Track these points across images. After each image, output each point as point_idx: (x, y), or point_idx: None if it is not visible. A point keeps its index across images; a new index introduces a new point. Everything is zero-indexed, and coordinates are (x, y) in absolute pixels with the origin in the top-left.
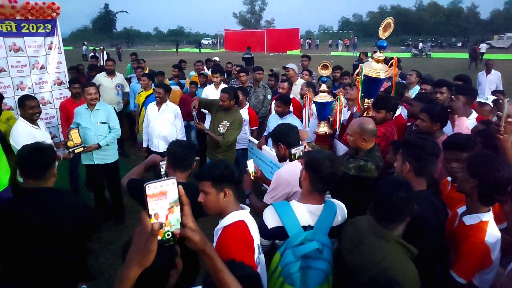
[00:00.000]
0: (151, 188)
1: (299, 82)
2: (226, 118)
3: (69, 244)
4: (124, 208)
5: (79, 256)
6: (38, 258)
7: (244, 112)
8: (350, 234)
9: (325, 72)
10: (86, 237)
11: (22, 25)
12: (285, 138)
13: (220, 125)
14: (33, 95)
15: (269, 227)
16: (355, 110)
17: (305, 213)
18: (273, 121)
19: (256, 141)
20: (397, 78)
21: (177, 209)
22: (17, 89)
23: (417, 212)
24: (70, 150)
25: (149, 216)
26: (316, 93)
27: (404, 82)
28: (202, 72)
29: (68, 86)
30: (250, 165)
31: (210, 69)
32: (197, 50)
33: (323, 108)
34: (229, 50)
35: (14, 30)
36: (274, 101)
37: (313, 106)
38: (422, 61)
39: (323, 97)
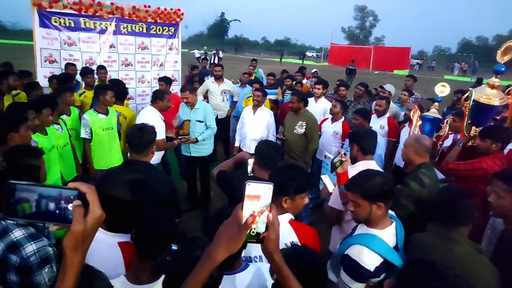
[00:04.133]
0: (251, 187)
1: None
2: (300, 119)
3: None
4: (210, 201)
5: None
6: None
7: (338, 125)
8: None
9: (441, 94)
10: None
11: (151, 26)
12: (359, 141)
13: (297, 126)
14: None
15: (372, 270)
16: (458, 137)
17: (389, 236)
18: None
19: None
20: None
21: (266, 212)
22: (139, 82)
23: None
24: (180, 137)
25: (242, 210)
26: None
27: None
28: (299, 81)
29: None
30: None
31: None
32: (301, 61)
33: (430, 124)
34: (332, 64)
35: (144, 31)
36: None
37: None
38: None
39: (433, 113)
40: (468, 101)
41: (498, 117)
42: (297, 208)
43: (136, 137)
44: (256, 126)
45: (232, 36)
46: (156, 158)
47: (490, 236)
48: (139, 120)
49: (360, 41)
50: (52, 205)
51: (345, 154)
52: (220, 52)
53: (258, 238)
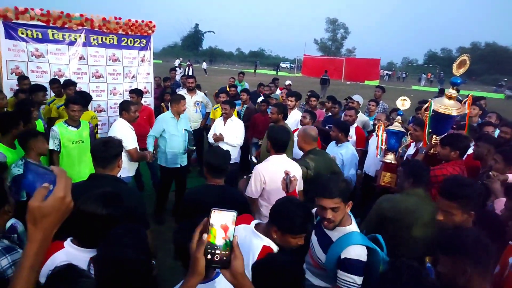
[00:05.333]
0: (215, 213)
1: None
2: None
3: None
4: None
5: None
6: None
7: None
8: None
9: (402, 107)
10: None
11: (122, 38)
12: (272, 139)
13: None
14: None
15: (366, 260)
16: (420, 145)
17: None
18: (330, 148)
19: None
20: (477, 119)
21: (229, 237)
22: (110, 94)
23: None
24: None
25: (205, 232)
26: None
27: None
28: (268, 95)
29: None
30: None
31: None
32: (275, 72)
33: (394, 137)
34: (306, 75)
35: (115, 42)
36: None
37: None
38: None
39: (397, 127)
40: (428, 111)
41: (454, 125)
42: (286, 244)
43: (100, 151)
44: (226, 137)
45: (206, 47)
46: (130, 170)
47: None
48: (110, 133)
49: (332, 52)
50: (39, 183)
51: (294, 176)
52: (204, 63)
53: (223, 263)
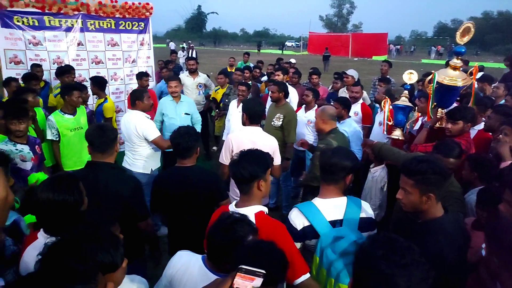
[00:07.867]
0: (243, 270)
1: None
2: (278, 111)
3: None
4: None
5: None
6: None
7: (311, 114)
8: None
9: (409, 81)
10: (133, 217)
11: (120, 22)
12: (247, 111)
13: (274, 118)
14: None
15: (299, 229)
16: (425, 120)
17: (330, 207)
18: None
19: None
20: (502, 99)
21: None
22: (111, 80)
23: None
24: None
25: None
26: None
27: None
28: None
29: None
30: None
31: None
32: (280, 51)
33: (401, 113)
34: (311, 53)
35: (113, 27)
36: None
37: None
38: None
39: (403, 102)
40: (432, 84)
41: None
42: (268, 186)
43: (98, 136)
44: (239, 119)
45: (210, 29)
46: (154, 163)
47: None
48: (126, 128)
49: (338, 28)
50: None
51: None
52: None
53: None
